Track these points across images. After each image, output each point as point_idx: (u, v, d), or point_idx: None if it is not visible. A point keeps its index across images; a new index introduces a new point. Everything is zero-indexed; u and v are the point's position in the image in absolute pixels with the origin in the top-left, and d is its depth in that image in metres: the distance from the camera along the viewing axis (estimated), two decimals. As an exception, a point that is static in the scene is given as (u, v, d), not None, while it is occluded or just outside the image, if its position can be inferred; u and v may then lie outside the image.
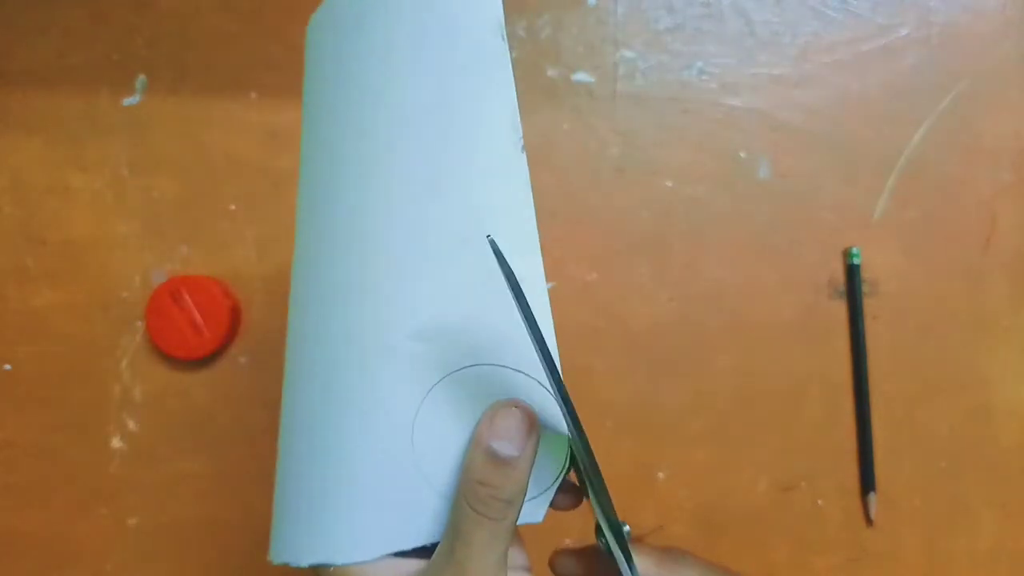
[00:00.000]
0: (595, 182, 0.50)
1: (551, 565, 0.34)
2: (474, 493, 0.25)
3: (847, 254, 0.50)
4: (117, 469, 0.51)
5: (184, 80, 0.51)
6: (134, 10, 0.50)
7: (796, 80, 0.50)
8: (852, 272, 0.50)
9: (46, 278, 0.51)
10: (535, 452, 0.26)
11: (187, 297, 0.49)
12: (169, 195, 0.51)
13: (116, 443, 0.51)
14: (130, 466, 0.51)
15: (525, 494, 0.26)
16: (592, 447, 0.26)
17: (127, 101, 0.51)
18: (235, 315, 0.50)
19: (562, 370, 0.25)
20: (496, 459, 0.25)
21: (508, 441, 0.25)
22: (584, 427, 0.25)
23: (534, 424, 0.26)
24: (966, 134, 0.50)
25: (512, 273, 0.24)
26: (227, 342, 0.50)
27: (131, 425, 0.51)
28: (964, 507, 0.51)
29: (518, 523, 0.26)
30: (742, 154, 0.51)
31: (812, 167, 0.51)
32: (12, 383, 0.51)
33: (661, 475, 0.50)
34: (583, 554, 0.33)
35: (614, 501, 0.26)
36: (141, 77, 0.51)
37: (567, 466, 0.28)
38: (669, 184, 0.51)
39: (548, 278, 0.48)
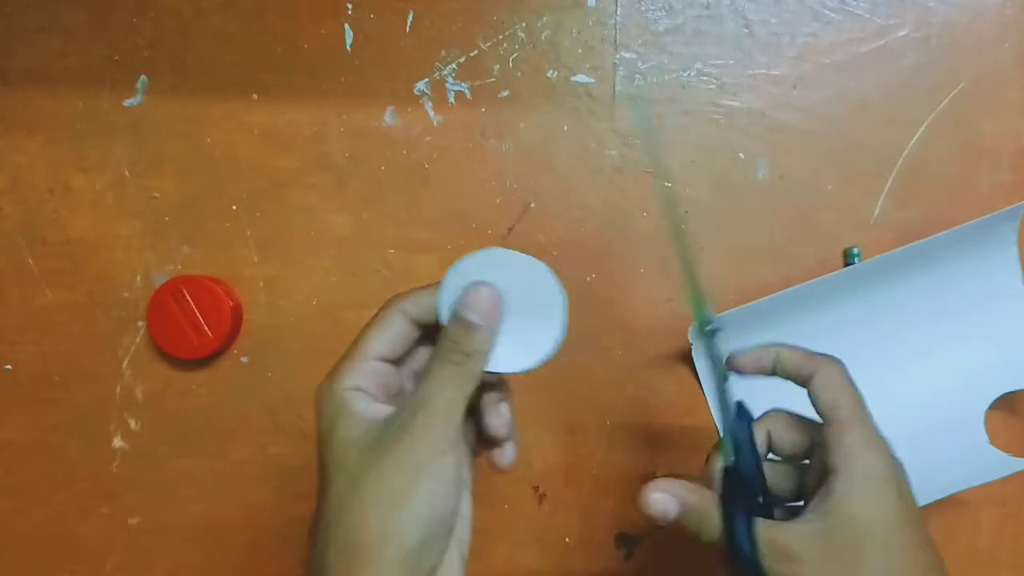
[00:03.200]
0: (595, 182, 0.50)
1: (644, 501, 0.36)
2: (443, 346, 0.32)
3: (847, 254, 0.51)
4: (118, 468, 0.52)
5: (185, 80, 0.51)
6: (135, 10, 0.50)
7: (795, 81, 0.50)
8: (851, 272, 0.51)
9: (47, 278, 0.51)
10: (497, 323, 0.32)
11: (188, 297, 0.49)
12: (170, 195, 0.51)
13: (117, 443, 0.52)
14: (131, 466, 0.52)
15: (486, 354, 0.32)
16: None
17: (128, 101, 0.51)
18: (236, 315, 0.50)
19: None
20: (464, 323, 0.32)
21: (476, 311, 0.32)
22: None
23: (497, 304, 0.32)
24: (965, 134, 0.51)
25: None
26: (228, 342, 0.50)
27: (132, 425, 0.51)
28: (964, 507, 0.51)
29: (505, 370, 0.33)
30: (741, 155, 0.51)
31: (811, 168, 0.51)
32: (13, 383, 0.52)
33: (659, 474, 0.51)
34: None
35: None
36: (142, 77, 0.51)
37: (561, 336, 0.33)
38: (669, 184, 0.51)
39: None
